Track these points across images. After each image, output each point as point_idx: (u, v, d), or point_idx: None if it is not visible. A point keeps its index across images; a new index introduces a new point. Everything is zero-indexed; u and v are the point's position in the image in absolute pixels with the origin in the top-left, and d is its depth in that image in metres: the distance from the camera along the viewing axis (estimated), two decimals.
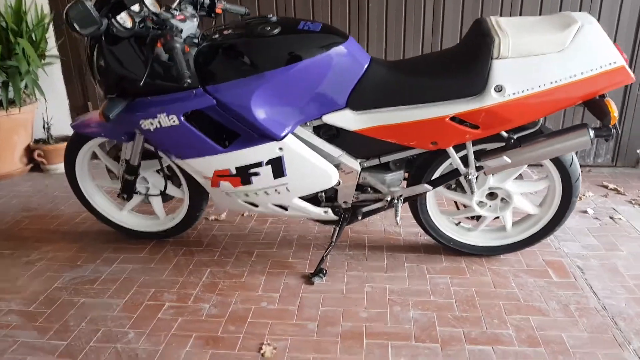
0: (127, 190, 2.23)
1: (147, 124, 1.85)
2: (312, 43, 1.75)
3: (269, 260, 2.26)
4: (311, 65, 1.75)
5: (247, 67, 1.75)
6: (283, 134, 1.81)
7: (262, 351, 1.71)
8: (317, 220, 2.20)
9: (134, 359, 1.69)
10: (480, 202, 2.07)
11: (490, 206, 2.08)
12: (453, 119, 1.74)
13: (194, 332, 1.82)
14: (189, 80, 1.57)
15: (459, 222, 2.22)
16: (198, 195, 2.26)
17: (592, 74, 1.62)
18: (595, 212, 2.64)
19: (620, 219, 2.56)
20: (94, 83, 1.92)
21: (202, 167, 1.93)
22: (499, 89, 1.66)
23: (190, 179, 2.21)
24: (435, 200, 2.14)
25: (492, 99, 1.68)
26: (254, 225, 2.58)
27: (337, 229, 2.13)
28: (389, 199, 2.02)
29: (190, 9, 1.89)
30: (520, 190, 2.03)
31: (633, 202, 2.74)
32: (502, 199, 2.06)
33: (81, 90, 3.48)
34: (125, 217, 2.45)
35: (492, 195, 2.06)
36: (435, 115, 1.74)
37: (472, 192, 1.98)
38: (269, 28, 1.77)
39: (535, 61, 1.63)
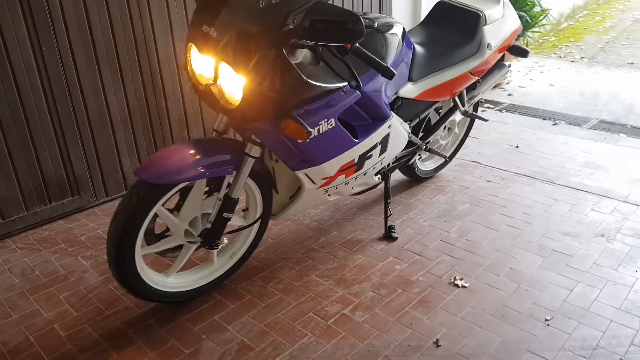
0: (218, 234, 1.86)
1: None
2: (400, 31, 2.04)
3: (335, 246, 2.36)
4: (405, 47, 2.05)
5: (377, 57, 1.88)
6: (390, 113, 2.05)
7: (460, 286, 2.04)
8: (360, 192, 2.45)
9: (420, 349, 1.73)
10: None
11: (442, 135, 2.87)
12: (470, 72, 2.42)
13: (401, 310, 1.93)
14: (395, 72, 1.64)
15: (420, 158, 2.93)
16: (268, 211, 2.09)
17: (514, 29, 2.61)
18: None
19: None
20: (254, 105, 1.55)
21: (332, 166, 1.91)
22: (489, 46, 2.45)
23: (266, 195, 2.03)
24: None
25: (487, 53, 2.45)
26: None
27: (388, 188, 2.47)
28: (423, 147, 2.53)
29: None
30: (458, 119, 2.90)
31: None
32: (449, 128, 2.88)
33: None
34: (174, 281, 1.96)
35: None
36: (463, 72, 2.37)
37: (485, 120, 2.79)
38: (367, 21, 1.93)
39: (497, 25, 2.49)
